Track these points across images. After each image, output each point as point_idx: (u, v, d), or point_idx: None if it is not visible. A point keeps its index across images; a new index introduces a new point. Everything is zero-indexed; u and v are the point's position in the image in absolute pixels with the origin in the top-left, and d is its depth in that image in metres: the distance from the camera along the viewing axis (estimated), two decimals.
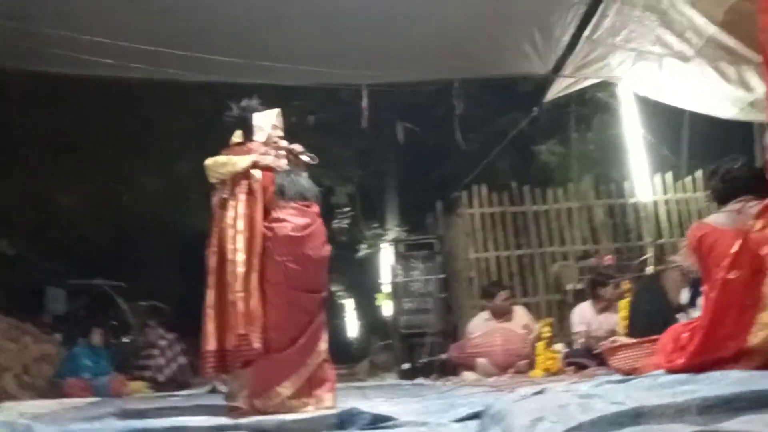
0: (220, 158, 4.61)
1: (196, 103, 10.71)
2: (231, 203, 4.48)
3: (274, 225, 4.43)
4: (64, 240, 11.22)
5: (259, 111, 4.82)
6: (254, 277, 4.30)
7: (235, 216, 4.42)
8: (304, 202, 4.58)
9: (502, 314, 7.63)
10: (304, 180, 4.69)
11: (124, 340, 9.54)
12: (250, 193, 4.51)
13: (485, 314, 7.84)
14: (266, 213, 4.52)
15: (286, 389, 4.21)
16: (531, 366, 6.98)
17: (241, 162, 4.55)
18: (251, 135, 4.77)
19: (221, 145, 4.79)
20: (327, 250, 4.59)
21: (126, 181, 11.84)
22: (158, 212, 11.82)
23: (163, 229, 12.60)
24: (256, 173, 4.55)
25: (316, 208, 4.64)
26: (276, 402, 4.17)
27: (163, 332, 8.78)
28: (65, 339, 8.81)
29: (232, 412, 4.19)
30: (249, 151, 4.66)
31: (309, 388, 4.29)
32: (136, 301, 10.63)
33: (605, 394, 2.64)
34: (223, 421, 3.61)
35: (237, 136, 4.83)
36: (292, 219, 4.47)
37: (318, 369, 4.34)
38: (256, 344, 4.19)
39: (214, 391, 6.76)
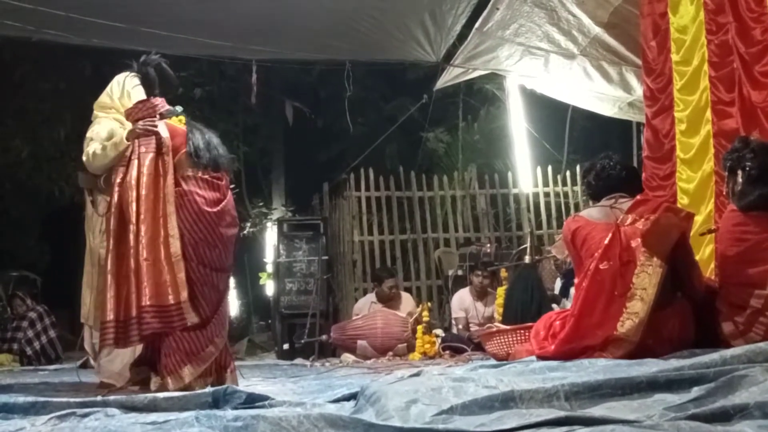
0: (97, 151, 4.17)
1: (75, 66, 10.22)
2: (134, 161, 4.01)
3: (184, 198, 4.02)
4: None
5: (163, 65, 4.38)
6: (164, 244, 3.90)
7: (138, 175, 3.96)
8: (215, 174, 4.16)
9: (387, 299, 7.71)
10: (218, 142, 4.26)
11: None
12: (158, 151, 4.03)
13: (372, 296, 7.92)
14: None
15: (192, 372, 3.90)
16: (410, 349, 7.07)
17: (120, 145, 4.10)
18: (154, 90, 4.31)
19: None
20: (236, 227, 4.29)
21: None
22: (29, 179, 11.19)
23: (34, 197, 11.95)
24: (163, 132, 4.09)
25: (227, 180, 4.25)
26: (180, 385, 3.82)
27: (33, 304, 8.38)
28: None
29: (103, 388, 4.04)
30: (153, 107, 4.19)
31: (213, 370, 4.01)
32: (4, 270, 10.11)
33: (478, 378, 2.69)
34: (92, 397, 3.47)
35: (140, 93, 4.38)
36: (203, 192, 4.07)
37: (223, 350, 4.07)
38: (187, 315, 3.86)
39: (85, 366, 6.50)
